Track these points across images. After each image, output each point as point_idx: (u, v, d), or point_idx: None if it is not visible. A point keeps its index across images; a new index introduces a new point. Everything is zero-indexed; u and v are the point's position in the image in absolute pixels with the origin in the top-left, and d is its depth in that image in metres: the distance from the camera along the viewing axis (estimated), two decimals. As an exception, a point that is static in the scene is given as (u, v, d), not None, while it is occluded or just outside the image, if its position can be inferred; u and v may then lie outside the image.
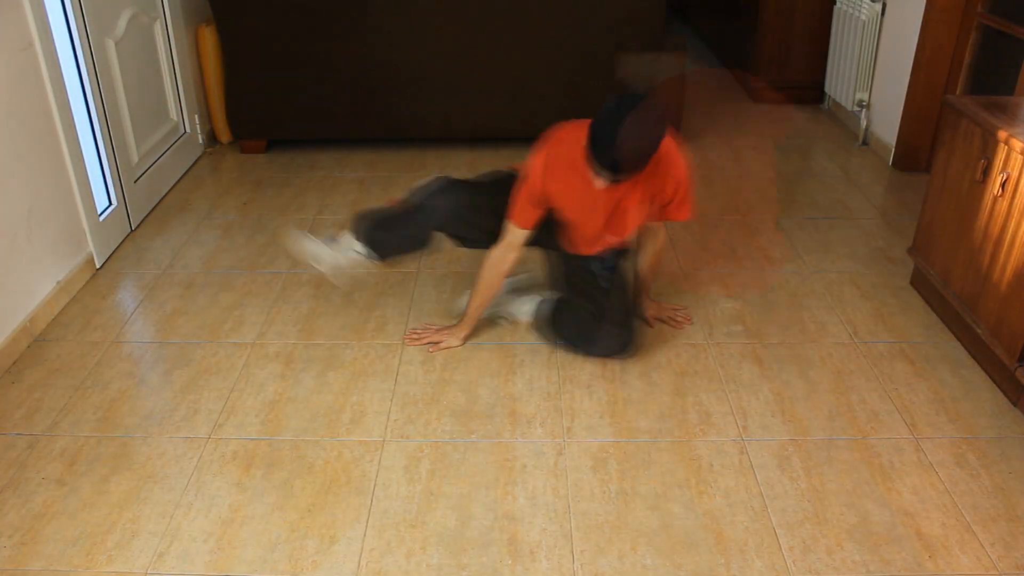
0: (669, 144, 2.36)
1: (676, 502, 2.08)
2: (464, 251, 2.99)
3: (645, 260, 2.69)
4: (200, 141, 4.19)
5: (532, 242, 2.53)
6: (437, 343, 2.67)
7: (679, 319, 2.80)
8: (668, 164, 2.38)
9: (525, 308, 2.78)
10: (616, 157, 2.15)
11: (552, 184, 2.37)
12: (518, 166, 2.51)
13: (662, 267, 2.65)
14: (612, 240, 2.52)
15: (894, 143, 4.05)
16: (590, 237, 2.51)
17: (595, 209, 2.41)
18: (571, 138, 2.31)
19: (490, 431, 2.32)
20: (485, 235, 2.54)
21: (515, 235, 2.47)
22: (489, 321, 2.78)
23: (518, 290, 2.84)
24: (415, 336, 2.70)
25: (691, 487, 2.12)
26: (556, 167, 2.35)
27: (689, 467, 2.19)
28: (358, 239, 2.64)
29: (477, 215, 2.54)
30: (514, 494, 2.10)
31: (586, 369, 2.56)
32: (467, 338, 2.69)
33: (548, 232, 2.52)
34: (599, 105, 2.29)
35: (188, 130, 4.04)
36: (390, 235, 2.63)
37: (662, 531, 1.99)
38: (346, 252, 2.67)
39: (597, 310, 2.56)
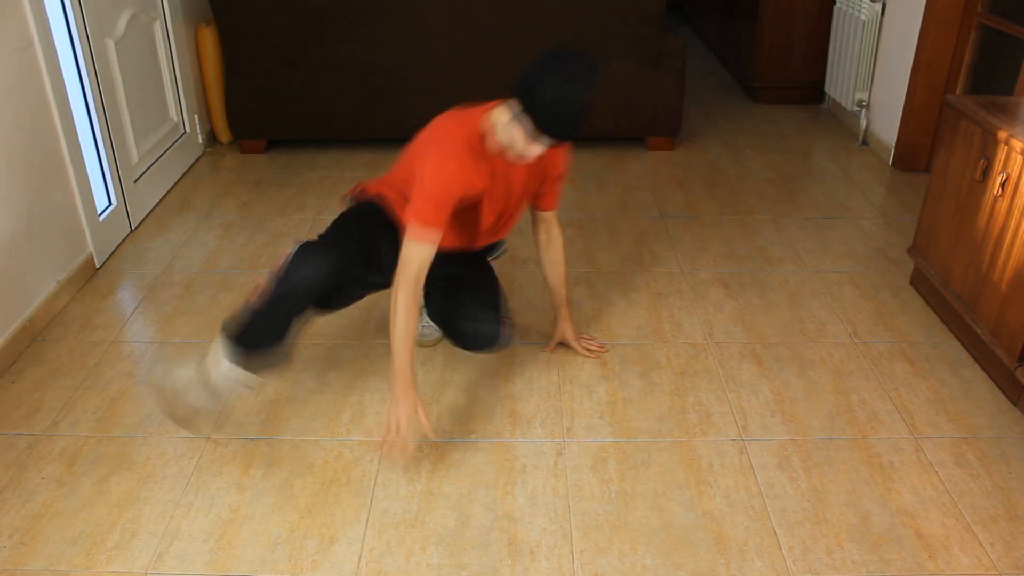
0: None
1: (676, 502, 2.08)
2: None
3: (550, 262, 2.49)
4: (200, 141, 4.19)
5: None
6: (403, 436, 2.08)
7: (594, 349, 2.63)
8: None
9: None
10: (568, 115, 1.93)
11: (474, 179, 2.11)
12: (354, 192, 2.39)
13: (570, 273, 2.46)
14: (503, 229, 2.36)
15: (894, 143, 4.05)
16: (489, 227, 2.30)
17: (506, 193, 2.24)
18: (460, 130, 2.10)
19: (490, 431, 2.32)
20: (383, 272, 2.21)
21: (432, 238, 2.06)
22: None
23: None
24: (393, 448, 2.10)
25: (691, 487, 2.12)
26: (466, 160, 2.08)
27: (689, 467, 2.19)
28: (229, 356, 2.11)
29: (360, 256, 2.24)
30: (514, 494, 2.10)
31: (585, 369, 2.56)
32: (414, 400, 2.08)
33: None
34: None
35: (188, 130, 4.04)
36: (266, 333, 2.14)
37: (662, 531, 1.99)
38: (219, 378, 2.12)
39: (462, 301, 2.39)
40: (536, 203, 2.41)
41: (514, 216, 2.35)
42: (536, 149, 2.02)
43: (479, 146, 2.10)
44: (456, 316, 2.41)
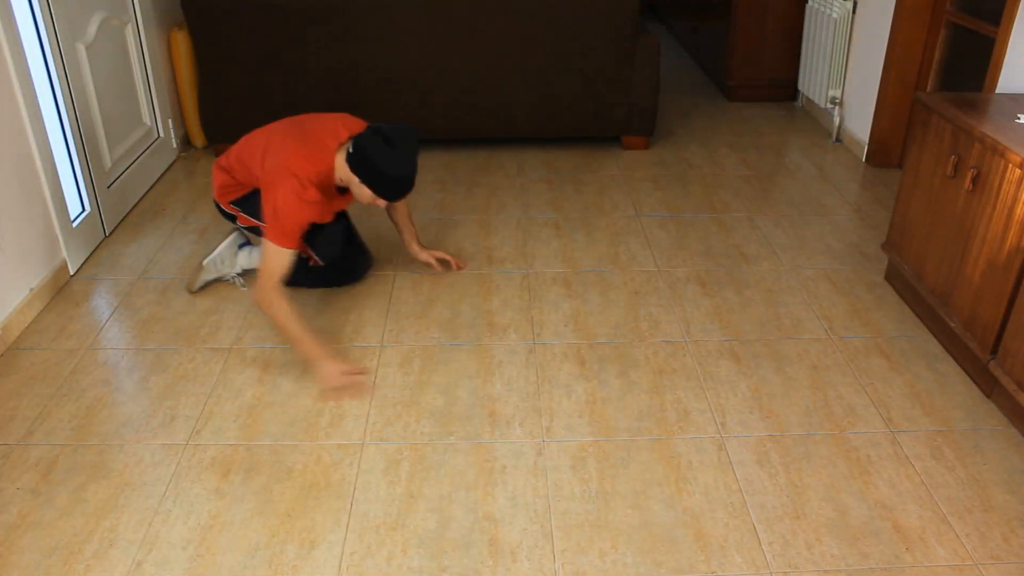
0: None
1: (656, 500, 2.09)
2: (449, 243, 2.98)
3: (392, 209, 3.02)
4: (174, 145, 4.16)
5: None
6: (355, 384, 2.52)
7: (446, 259, 3.10)
8: None
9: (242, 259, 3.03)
10: (406, 187, 2.58)
11: (318, 210, 2.57)
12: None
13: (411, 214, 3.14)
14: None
15: (867, 140, 4.09)
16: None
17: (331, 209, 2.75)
18: (312, 167, 2.52)
19: (469, 432, 2.32)
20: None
21: (292, 250, 2.51)
22: (467, 323, 2.78)
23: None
24: (354, 396, 2.51)
25: (670, 485, 2.13)
26: (314, 197, 2.51)
27: (668, 465, 2.20)
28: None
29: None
30: (494, 495, 2.11)
31: (564, 369, 2.57)
32: (329, 359, 2.48)
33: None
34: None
35: (162, 134, 4.01)
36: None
37: (642, 529, 2.00)
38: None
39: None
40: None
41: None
42: (379, 203, 2.61)
43: (328, 182, 2.59)
44: (349, 256, 3.00)
